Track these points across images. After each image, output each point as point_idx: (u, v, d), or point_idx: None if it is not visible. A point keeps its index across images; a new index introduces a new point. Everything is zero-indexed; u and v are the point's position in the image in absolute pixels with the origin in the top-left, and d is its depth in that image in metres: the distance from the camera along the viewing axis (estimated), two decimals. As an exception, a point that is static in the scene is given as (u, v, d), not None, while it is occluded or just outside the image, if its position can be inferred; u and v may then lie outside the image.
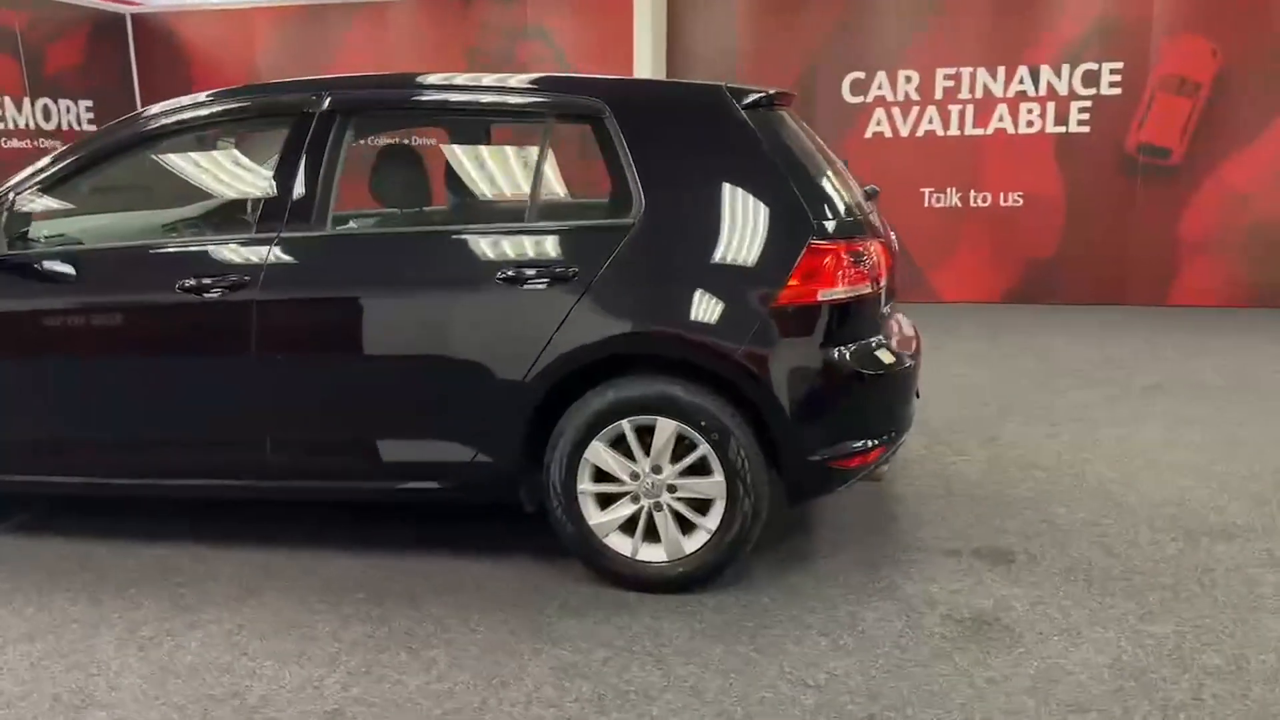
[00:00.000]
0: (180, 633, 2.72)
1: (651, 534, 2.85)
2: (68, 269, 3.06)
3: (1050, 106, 7.92)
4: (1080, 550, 3.15)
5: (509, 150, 3.41)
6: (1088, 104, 7.87)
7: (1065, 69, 7.83)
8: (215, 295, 2.91)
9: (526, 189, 3.02)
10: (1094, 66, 7.77)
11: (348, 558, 3.17)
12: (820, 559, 3.11)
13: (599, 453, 2.80)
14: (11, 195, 3.11)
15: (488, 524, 3.38)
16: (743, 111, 2.83)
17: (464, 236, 2.91)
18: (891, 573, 3.01)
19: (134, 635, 2.71)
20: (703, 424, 2.72)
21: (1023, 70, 7.90)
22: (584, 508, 2.85)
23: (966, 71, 7.98)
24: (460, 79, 3.03)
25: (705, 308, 2.70)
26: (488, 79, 3.00)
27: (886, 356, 2.86)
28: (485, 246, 2.85)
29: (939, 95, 8.09)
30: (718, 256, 2.74)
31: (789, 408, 2.70)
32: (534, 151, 2.99)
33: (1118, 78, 7.77)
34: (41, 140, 8.44)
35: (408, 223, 3.30)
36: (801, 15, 8.26)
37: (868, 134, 8.30)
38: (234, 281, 2.90)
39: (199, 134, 3.32)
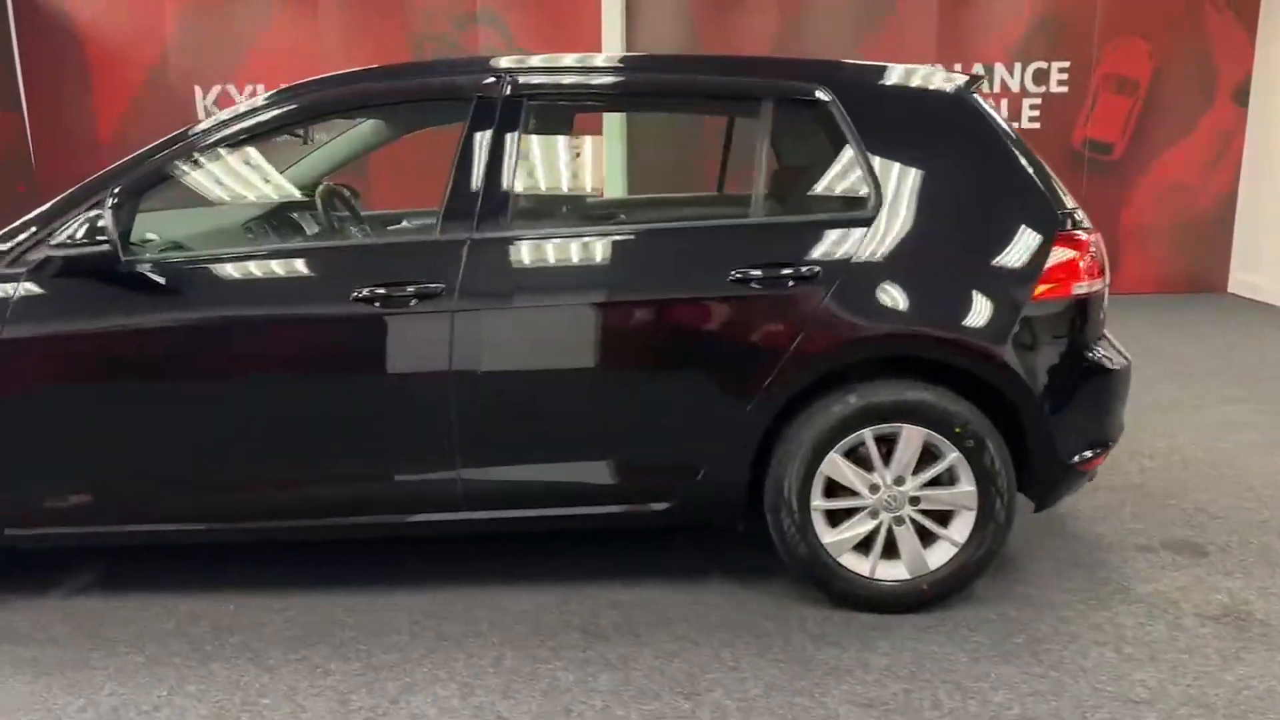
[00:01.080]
0: (400, 697, 2.33)
1: (885, 550, 2.66)
2: (202, 278, 2.59)
3: (1004, 103, 8.16)
4: (1258, 537, 3.18)
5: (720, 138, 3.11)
6: (1038, 101, 8.16)
7: (1018, 67, 8.08)
8: (401, 306, 2.51)
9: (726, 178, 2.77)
10: (1044, 65, 8.06)
11: (528, 592, 2.84)
12: (1022, 564, 3.00)
13: (836, 465, 2.60)
14: (116, 191, 2.59)
15: (648, 545, 3.10)
16: (975, 98, 2.68)
17: (687, 233, 2.62)
18: (1108, 573, 2.94)
19: (345, 707, 2.30)
20: (957, 430, 2.55)
21: (978, 68, 8.11)
22: (816, 525, 2.63)
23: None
24: (667, 59, 2.75)
25: (965, 307, 2.54)
26: (699, 59, 2.73)
27: (1120, 354, 2.78)
28: (714, 243, 2.58)
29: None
30: (967, 251, 2.59)
31: (1049, 409, 2.58)
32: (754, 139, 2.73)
33: (1065, 76, 8.09)
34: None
35: (602, 216, 2.96)
36: (754, 14, 8.20)
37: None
38: (423, 290, 2.51)
39: (343, 119, 2.86)
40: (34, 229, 2.61)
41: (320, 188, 3.61)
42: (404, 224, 4.06)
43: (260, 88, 8.42)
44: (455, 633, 2.63)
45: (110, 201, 2.53)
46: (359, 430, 2.60)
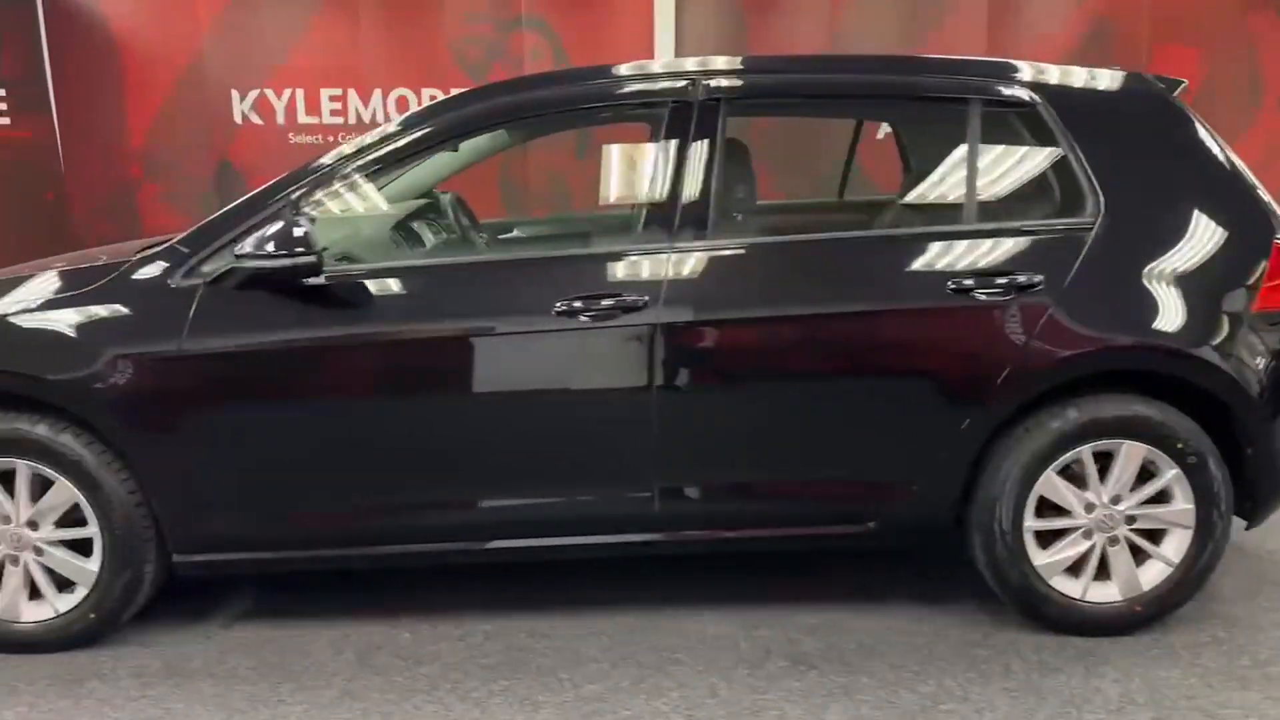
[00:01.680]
0: (629, 736, 2.20)
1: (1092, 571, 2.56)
2: (399, 290, 2.46)
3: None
4: None
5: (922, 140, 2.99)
6: (1087, 107, 8.12)
7: (1068, 73, 8.04)
8: (603, 319, 2.39)
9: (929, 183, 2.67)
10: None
11: (711, 616, 2.72)
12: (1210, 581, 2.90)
13: (1053, 483, 2.50)
14: (295, 200, 2.46)
15: (804, 567, 2.99)
16: (1180, 102, 2.60)
17: (903, 241, 2.52)
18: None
19: (573, 745, 2.17)
20: (1179, 446, 2.46)
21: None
22: (1028, 547, 2.53)
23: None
24: (867, 60, 2.64)
25: (1193, 318, 2.45)
26: (898, 60, 2.63)
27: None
28: (931, 252, 2.48)
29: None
30: (1189, 260, 2.50)
31: (1273, 422, 2.49)
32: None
33: (1114, 82, 8.06)
34: (-45, 134, 7.11)
35: (797, 224, 2.84)
36: (804, 21, 8.13)
37: (879, 134, 8.25)
38: (627, 302, 2.39)
39: (531, 126, 2.74)
40: (208, 240, 2.46)
41: (447, 196, 3.49)
42: (515, 233, 3.95)
43: (300, 92, 8.26)
44: (653, 660, 2.51)
45: (294, 211, 2.40)
46: (555, 448, 2.47)
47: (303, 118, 8.28)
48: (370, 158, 2.51)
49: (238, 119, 8.31)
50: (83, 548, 2.54)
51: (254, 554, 2.54)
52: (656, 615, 2.73)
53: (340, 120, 8.32)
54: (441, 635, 2.65)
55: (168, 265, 2.47)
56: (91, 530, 2.49)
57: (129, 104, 8.35)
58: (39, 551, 2.52)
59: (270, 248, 2.29)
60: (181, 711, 2.30)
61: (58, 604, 2.55)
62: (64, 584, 2.57)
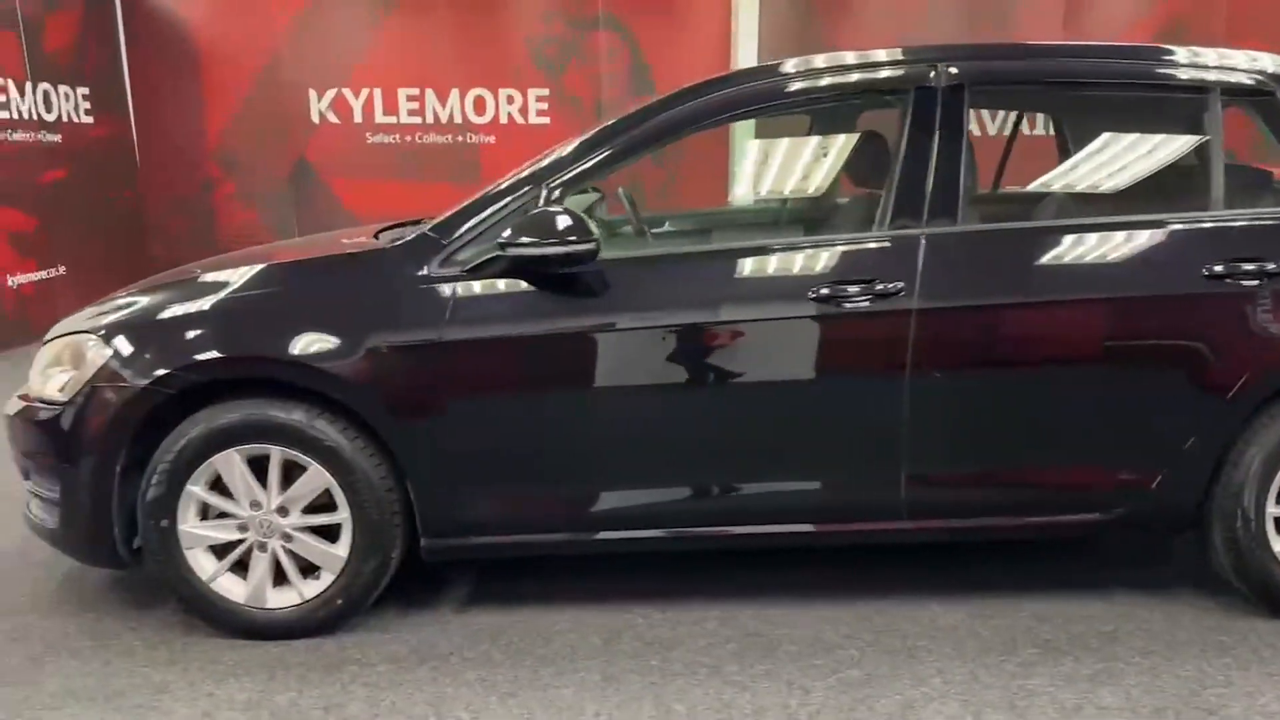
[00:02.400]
0: (904, 715, 2.21)
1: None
2: (665, 277, 2.49)
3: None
4: None
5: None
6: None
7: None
8: (860, 305, 2.41)
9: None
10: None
11: (939, 604, 2.74)
12: None
13: (1291, 469, 2.50)
14: (553, 186, 2.48)
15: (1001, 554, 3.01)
16: None
17: (1155, 228, 2.53)
18: None
19: (857, 726, 2.18)
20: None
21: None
22: (1269, 533, 2.54)
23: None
24: (1103, 48, 2.65)
25: None
26: (1136, 47, 2.64)
27: None
28: (1183, 239, 2.49)
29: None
30: None
31: None
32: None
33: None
34: (44, 134, 7.15)
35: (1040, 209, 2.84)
36: (881, 22, 8.17)
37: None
38: (884, 288, 2.41)
39: (769, 114, 2.75)
40: (463, 229, 2.48)
41: (620, 190, 3.51)
42: (666, 226, 3.97)
43: (378, 92, 8.29)
44: (900, 647, 2.52)
45: (551, 196, 2.43)
46: (805, 434, 2.49)
47: (380, 117, 8.33)
48: (616, 146, 2.52)
49: (315, 118, 8.35)
50: (327, 533, 2.55)
51: (504, 538, 2.55)
52: (883, 603, 2.74)
53: (418, 120, 8.37)
54: (674, 621, 2.66)
55: (424, 253, 2.48)
56: (341, 516, 2.50)
57: (206, 104, 8.39)
58: (288, 538, 2.53)
59: (544, 235, 2.30)
60: (450, 695, 2.32)
61: (304, 589, 2.56)
62: (307, 570, 2.58)
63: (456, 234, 2.49)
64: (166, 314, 2.53)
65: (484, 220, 2.49)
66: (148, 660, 2.49)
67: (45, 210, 7.07)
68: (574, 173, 2.51)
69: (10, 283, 6.73)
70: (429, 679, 2.39)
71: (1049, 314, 2.46)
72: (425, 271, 2.46)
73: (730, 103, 2.60)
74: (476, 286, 2.44)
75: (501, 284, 2.44)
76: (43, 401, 2.60)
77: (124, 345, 2.49)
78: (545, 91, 8.28)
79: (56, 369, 2.64)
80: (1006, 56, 2.69)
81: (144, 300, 2.62)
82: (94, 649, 2.55)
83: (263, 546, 2.54)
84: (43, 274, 7.10)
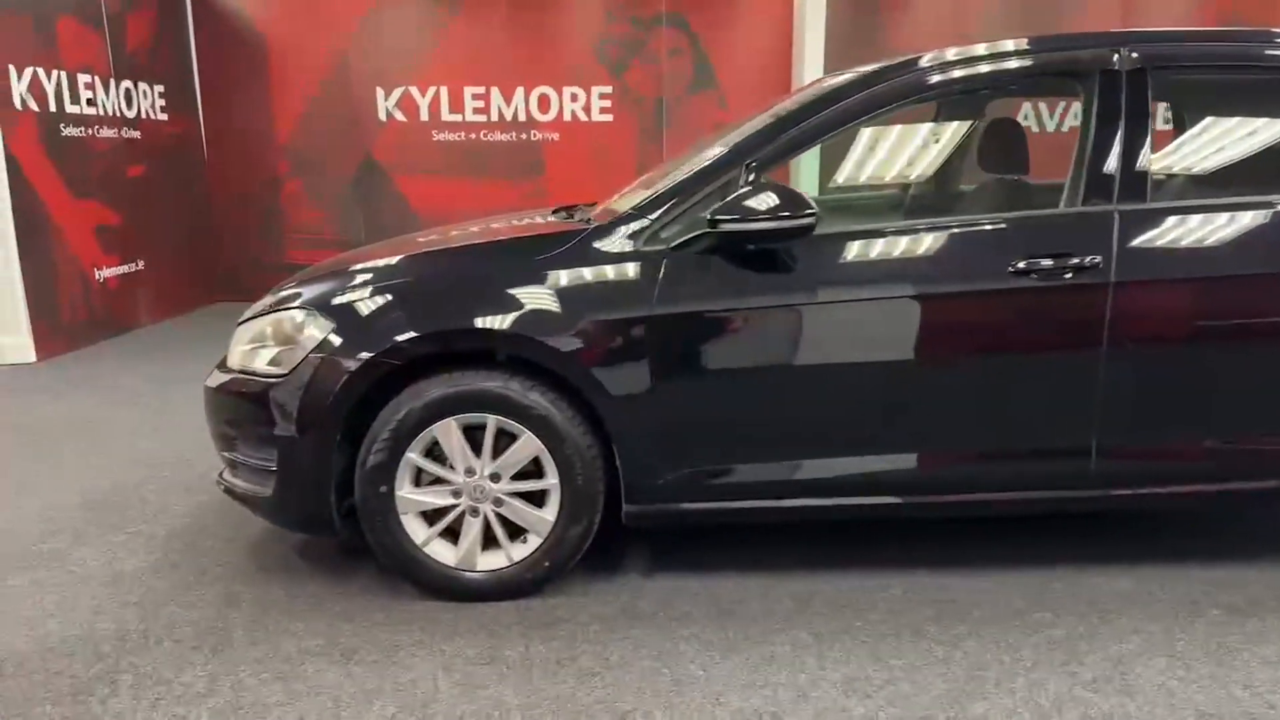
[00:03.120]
0: (1122, 663, 2.31)
1: None
2: (870, 251, 2.59)
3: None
4: None
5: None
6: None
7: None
8: (1059, 279, 2.51)
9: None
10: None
11: (1106, 573, 2.85)
12: None
13: None
14: (752, 165, 2.60)
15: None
16: None
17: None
18: None
19: (1074, 678, 2.28)
20: None
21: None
22: None
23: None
24: (1270, 32, 2.75)
25: None
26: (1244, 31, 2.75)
27: None
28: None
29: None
30: None
31: None
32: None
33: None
34: (126, 130, 7.27)
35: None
36: (943, 18, 8.27)
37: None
38: (1080, 263, 2.52)
39: (954, 97, 2.86)
40: (668, 207, 2.59)
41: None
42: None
43: (444, 90, 8.41)
44: (1086, 611, 2.63)
45: (749, 174, 2.54)
46: (1003, 404, 2.60)
47: (446, 115, 8.45)
48: (804, 130, 2.62)
49: (382, 117, 8.48)
50: (534, 499, 2.66)
51: (706, 505, 2.65)
52: (1050, 573, 2.85)
53: (483, 118, 8.48)
54: (859, 588, 2.77)
55: (629, 231, 2.59)
56: (549, 482, 2.61)
57: (274, 103, 8.51)
58: (498, 503, 2.63)
59: (763, 211, 2.41)
60: (672, 650, 2.42)
61: (513, 553, 2.67)
62: (513, 535, 2.68)
63: (661, 212, 2.59)
64: (385, 291, 2.64)
65: (688, 198, 2.59)
66: (368, 621, 2.59)
67: (127, 205, 7.19)
68: (769, 152, 2.61)
69: (97, 276, 6.84)
70: (644, 637, 2.49)
71: (1241, 287, 2.56)
72: (633, 248, 2.57)
73: (913, 87, 2.70)
74: (684, 262, 2.54)
75: (708, 259, 2.54)
76: (255, 374, 2.71)
77: (346, 319, 2.60)
78: (608, 89, 8.39)
79: (263, 345, 2.74)
80: (1183, 40, 2.79)
81: (353, 279, 2.73)
82: (310, 612, 2.65)
83: (474, 511, 2.64)
84: (125, 268, 7.22)
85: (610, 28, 8.44)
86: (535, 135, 8.51)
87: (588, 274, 2.58)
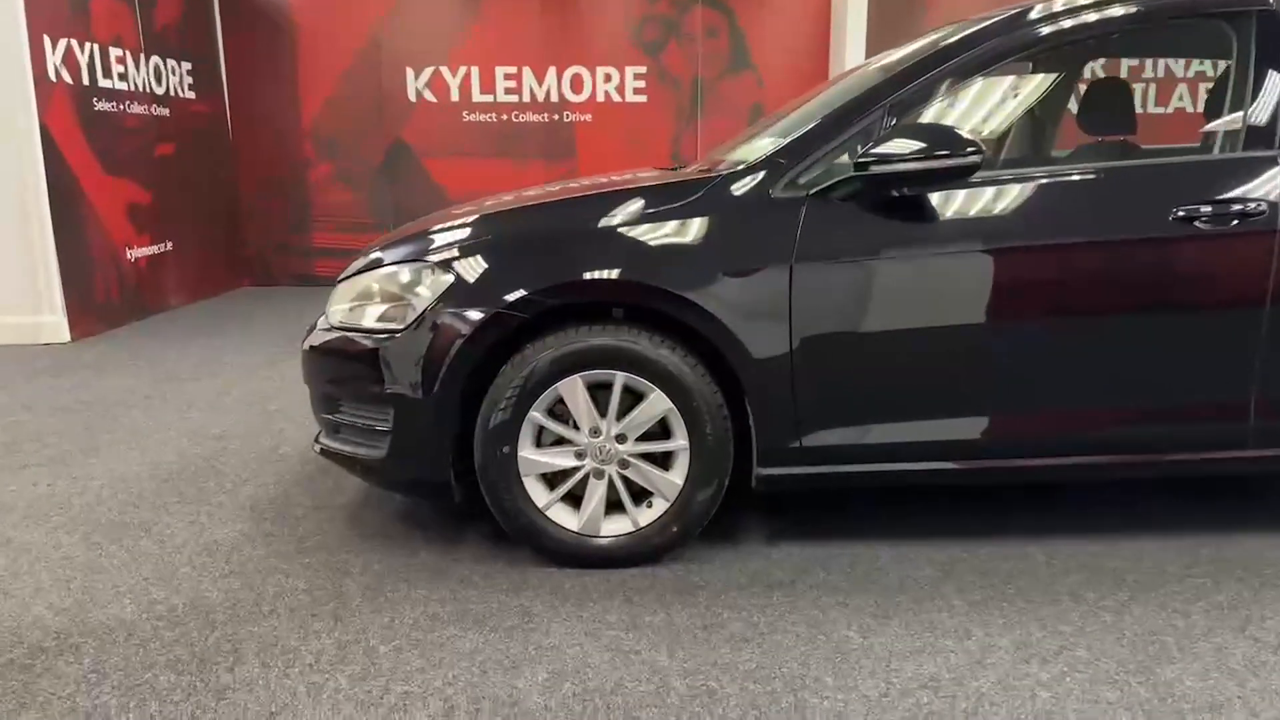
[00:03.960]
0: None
1: None
2: (1015, 198, 2.46)
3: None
4: None
5: None
6: None
7: None
8: (1223, 226, 2.39)
9: None
10: None
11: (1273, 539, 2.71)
12: None
13: None
14: (892, 109, 2.47)
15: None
16: None
17: None
18: None
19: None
20: None
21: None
22: None
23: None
24: None
25: None
26: None
27: None
28: None
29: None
30: None
31: None
32: None
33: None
34: (155, 107, 7.11)
35: None
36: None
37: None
38: (1244, 210, 2.40)
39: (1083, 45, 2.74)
40: (809, 151, 2.46)
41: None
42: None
43: (475, 70, 8.27)
44: (1244, 575, 2.52)
45: (891, 117, 2.41)
46: (1155, 359, 2.47)
47: (477, 96, 8.31)
48: (938, 74, 2.50)
49: (412, 97, 8.33)
50: (661, 462, 2.53)
51: (841, 468, 2.53)
52: (1199, 538, 2.73)
53: (515, 99, 8.34)
54: (1000, 555, 2.64)
55: (765, 177, 2.46)
56: (678, 443, 2.48)
57: (301, 84, 8.35)
58: (624, 465, 2.50)
59: (914, 150, 2.28)
60: (821, 618, 2.30)
61: (638, 517, 2.53)
62: (638, 499, 2.55)
63: (799, 156, 2.46)
64: (509, 243, 2.51)
65: (828, 142, 2.46)
66: (491, 587, 2.46)
67: (157, 184, 7.03)
68: (911, 94, 2.49)
69: (129, 256, 6.68)
70: (788, 604, 2.36)
71: None
72: (771, 195, 2.44)
73: (1055, 33, 2.57)
74: (825, 210, 2.41)
75: (852, 208, 2.41)
76: (363, 330, 2.57)
77: (469, 272, 2.46)
78: (643, 69, 8.26)
79: (369, 302, 2.61)
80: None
81: (469, 233, 2.59)
82: (430, 579, 2.52)
83: (599, 474, 2.51)
84: (155, 248, 7.06)
85: (647, 7, 8.30)
86: (568, 116, 8.37)
87: (722, 223, 2.45)
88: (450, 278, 2.46)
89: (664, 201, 2.51)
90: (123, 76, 6.67)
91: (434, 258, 2.52)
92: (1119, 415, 2.52)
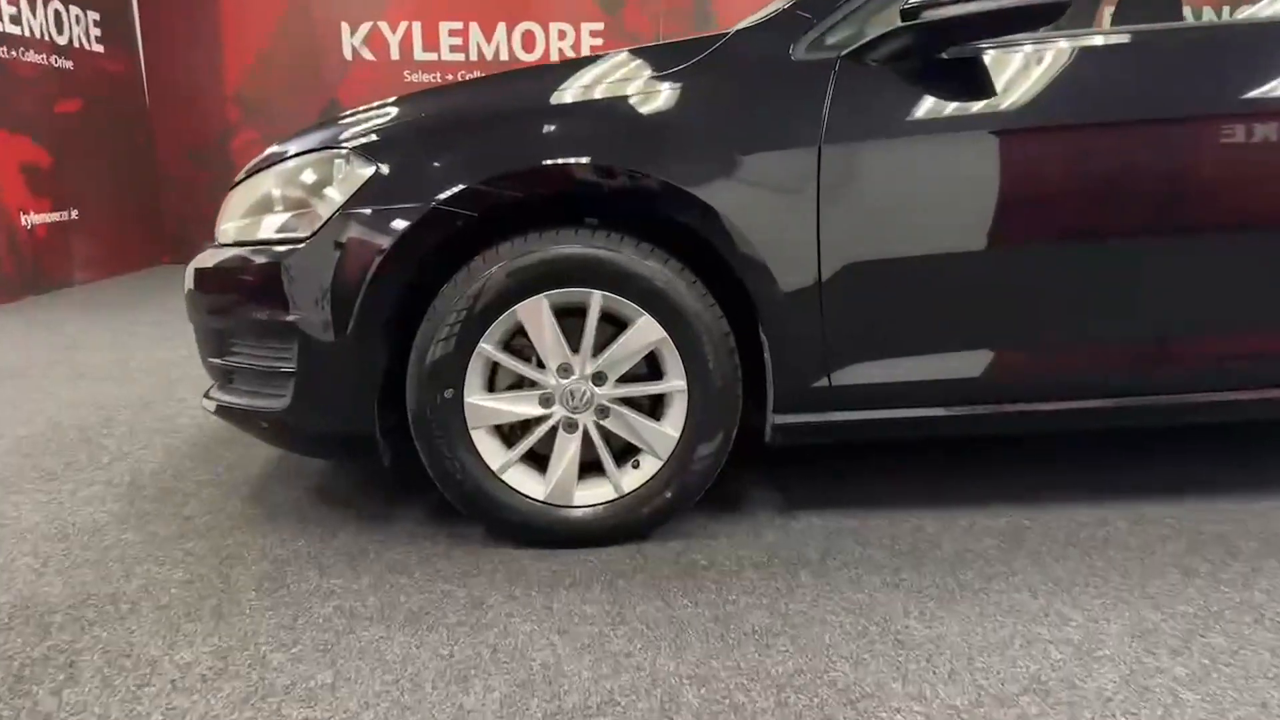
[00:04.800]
0: None
1: None
2: (1105, 61, 1.93)
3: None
4: None
5: None
6: None
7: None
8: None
9: None
10: None
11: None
12: None
13: None
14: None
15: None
16: None
17: None
18: None
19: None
20: None
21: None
22: None
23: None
24: None
25: None
26: None
27: None
28: None
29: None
30: None
31: None
32: None
33: None
34: (55, 58, 6.35)
35: None
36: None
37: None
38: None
39: None
40: (834, 5, 1.90)
41: None
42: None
43: (417, 26, 7.63)
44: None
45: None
46: (1258, 276, 1.96)
47: (419, 54, 7.67)
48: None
49: (348, 55, 7.66)
50: (650, 409, 1.97)
51: (876, 414, 1.98)
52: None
53: (461, 57, 7.72)
54: (1071, 521, 2.12)
55: (783, 36, 1.90)
56: (673, 384, 1.92)
57: (226, 41, 7.63)
58: (603, 413, 1.93)
59: (983, -12, 1.73)
60: (869, 602, 1.75)
61: (622, 481, 1.96)
62: (620, 457, 1.98)
63: (829, 9, 1.90)
64: (450, 124, 1.93)
65: (860, -7, 1.90)
66: (431, 573, 1.87)
67: (58, 145, 6.29)
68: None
69: (24, 222, 5.93)
70: (821, 586, 1.81)
71: None
72: (792, 57, 1.88)
73: None
74: (863, 76, 1.86)
75: (896, 73, 1.86)
76: (260, 244, 1.96)
77: (394, 159, 1.87)
78: (600, 26, 7.69)
79: (268, 211, 2.00)
80: None
81: (394, 110, 2.00)
82: (350, 565, 1.93)
83: (571, 425, 1.93)
84: (57, 216, 6.31)
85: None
86: (519, 77, 7.73)
87: (729, 94, 1.88)
88: (369, 170, 1.87)
89: (651, 67, 1.94)
90: (15, 20, 5.91)
91: (350, 144, 1.92)
92: (1226, 346, 2.00)
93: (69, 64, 6.49)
